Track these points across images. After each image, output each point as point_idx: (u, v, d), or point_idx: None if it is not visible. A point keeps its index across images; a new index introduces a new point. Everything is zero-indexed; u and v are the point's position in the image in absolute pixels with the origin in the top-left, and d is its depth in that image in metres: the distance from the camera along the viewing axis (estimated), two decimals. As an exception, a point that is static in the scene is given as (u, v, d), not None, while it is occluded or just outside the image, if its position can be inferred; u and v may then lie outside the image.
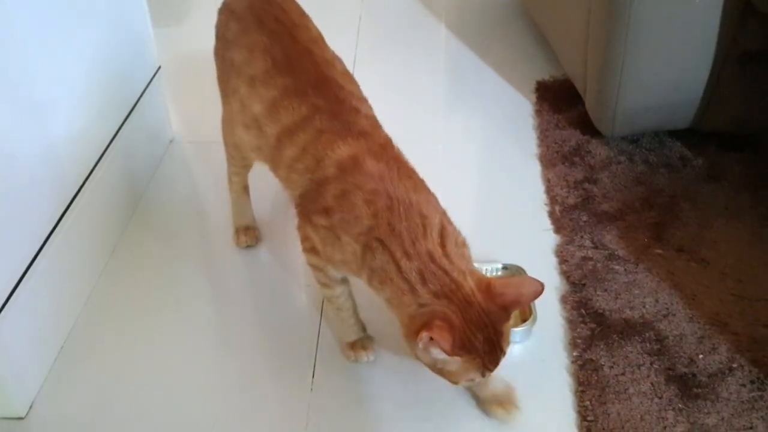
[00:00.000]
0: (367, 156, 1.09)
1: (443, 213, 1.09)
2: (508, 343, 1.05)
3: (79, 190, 1.37)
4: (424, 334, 0.95)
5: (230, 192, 1.49)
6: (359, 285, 1.14)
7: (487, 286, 1.02)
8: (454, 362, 1.01)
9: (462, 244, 1.08)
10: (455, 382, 1.06)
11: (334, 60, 1.25)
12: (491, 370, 1.04)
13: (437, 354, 0.99)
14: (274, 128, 1.18)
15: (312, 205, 1.13)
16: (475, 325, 0.99)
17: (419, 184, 1.10)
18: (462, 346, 0.99)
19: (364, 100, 1.22)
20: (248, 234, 1.51)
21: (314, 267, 1.20)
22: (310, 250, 1.18)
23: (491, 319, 1.00)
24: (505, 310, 1.01)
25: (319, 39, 1.27)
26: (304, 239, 1.19)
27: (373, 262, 1.05)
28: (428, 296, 1.00)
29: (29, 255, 1.22)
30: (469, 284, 1.01)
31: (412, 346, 1.03)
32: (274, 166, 1.22)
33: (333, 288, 1.21)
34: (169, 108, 1.82)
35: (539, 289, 1.02)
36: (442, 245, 1.03)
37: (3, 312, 1.14)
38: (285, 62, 1.20)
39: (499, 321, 1.01)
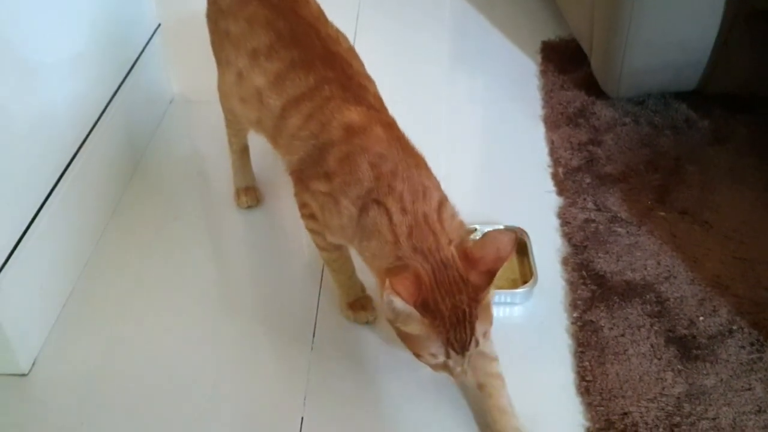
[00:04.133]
0: (376, 124, 1.08)
1: (444, 193, 1.07)
2: (484, 334, 1.00)
3: (78, 150, 1.37)
4: (389, 282, 0.93)
5: (230, 152, 1.49)
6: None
7: (465, 253, 0.98)
8: (415, 321, 0.96)
9: (459, 225, 1.04)
10: (417, 354, 1.01)
11: (338, 36, 1.23)
12: (457, 351, 0.98)
13: (400, 306, 0.95)
14: (278, 100, 1.16)
15: (311, 171, 1.12)
16: (445, 290, 0.96)
17: (422, 163, 1.09)
18: (425, 305, 0.95)
19: (370, 79, 1.21)
20: (249, 194, 1.50)
21: (313, 232, 1.20)
22: (309, 216, 1.18)
23: (468, 291, 0.96)
24: (489, 272, 0.97)
25: (320, 15, 1.26)
26: (303, 206, 1.18)
27: (366, 219, 1.03)
28: (409, 251, 0.98)
29: (30, 213, 1.22)
30: (452, 251, 0.98)
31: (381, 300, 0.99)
32: (275, 136, 1.20)
33: (331, 251, 1.21)
34: (169, 67, 1.80)
35: (513, 238, 0.98)
36: (439, 213, 1.02)
37: (5, 270, 1.14)
38: (290, 36, 1.18)
39: (478, 295, 0.97)
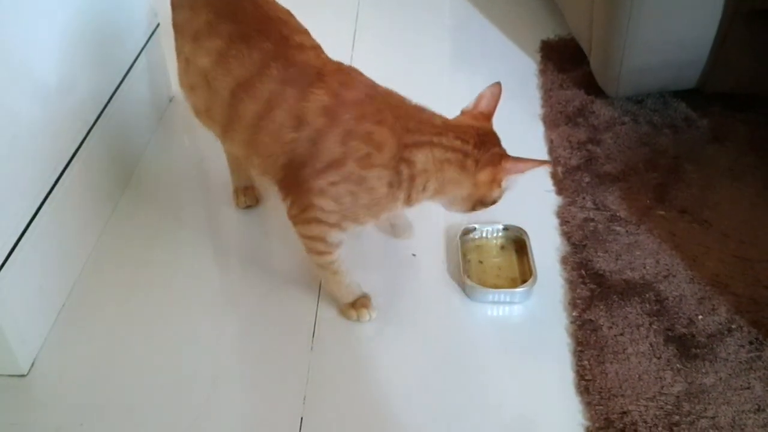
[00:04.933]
0: (342, 89, 1.09)
1: None
2: None
3: (77, 149, 1.36)
4: (506, 166, 1.10)
5: (224, 152, 1.48)
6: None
7: (482, 115, 1.15)
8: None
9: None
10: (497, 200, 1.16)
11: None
12: None
13: (508, 183, 1.12)
14: (226, 81, 1.14)
15: (308, 170, 1.10)
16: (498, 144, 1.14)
17: (387, 88, 1.15)
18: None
19: (304, 32, 1.20)
20: (247, 194, 1.50)
21: (313, 238, 1.19)
22: (313, 220, 1.15)
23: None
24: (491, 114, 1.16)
25: None
26: (304, 211, 1.15)
27: (413, 167, 1.09)
28: (474, 150, 1.10)
29: (29, 213, 1.22)
30: (483, 124, 1.13)
31: (483, 197, 1.13)
32: (230, 129, 1.17)
33: (332, 253, 1.20)
34: (168, 66, 1.79)
35: (499, 86, 1.17)
36: (438, 115, 1.14)
37: (3, 270, 1.14)
38: (226, 10, 1.18)
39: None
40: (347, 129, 1.08)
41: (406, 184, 1.11)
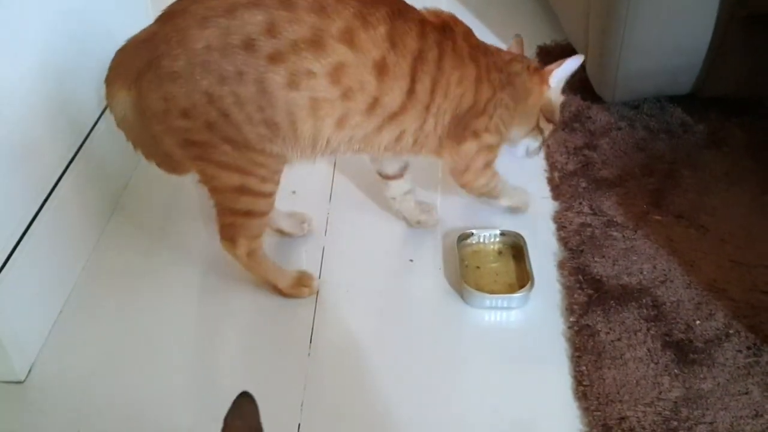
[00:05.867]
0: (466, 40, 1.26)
1: None
2: None
3: (74, 157, 1.36)
4: (547, 70, 1.34)
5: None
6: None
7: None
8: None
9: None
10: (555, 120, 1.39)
11: None
12: None
13: (556, 86, 1.36)
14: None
15: (473, 112, 1.27)
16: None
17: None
18: None
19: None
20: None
21: (488, 178, 1.37)
22: (486, 167, 1.35)
23: None
24: None
25: None
26: (473, 161, 1.32)
27: (511, 77, 1.32)
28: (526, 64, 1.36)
29: (26, 220, 1.22)
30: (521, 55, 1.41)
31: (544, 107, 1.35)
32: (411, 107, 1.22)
33: (496, 174, 1.40)
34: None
35: (521, 38, 1.43)
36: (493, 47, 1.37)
37: (0, 277, 1.14)
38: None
39: None
40: (485, 66, 1.26)
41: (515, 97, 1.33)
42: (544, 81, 1.34)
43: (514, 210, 1.48)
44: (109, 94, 1.17)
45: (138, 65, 1.11)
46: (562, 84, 1.37)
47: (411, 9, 1.19)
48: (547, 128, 1.38)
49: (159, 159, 1.26)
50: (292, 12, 1.06)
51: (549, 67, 1.35)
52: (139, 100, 1.13)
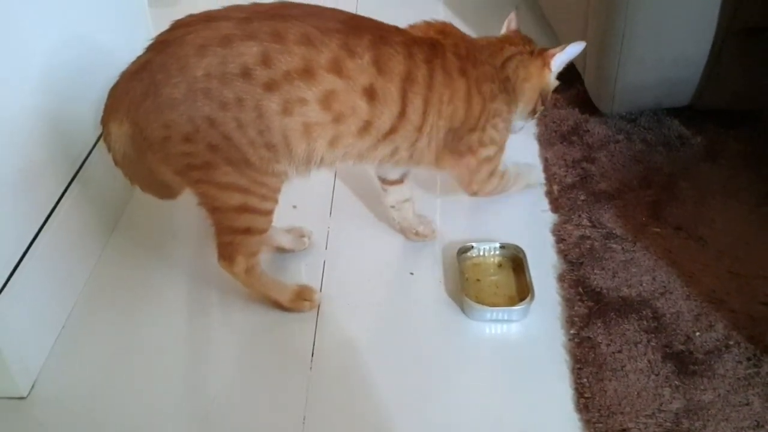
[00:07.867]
0: (457, 52, 1.26)
1: None
2: None
3: (77, 172, 1.37)
4: (556, 55, 1.35)
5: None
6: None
7: (514, 31, 1.43)
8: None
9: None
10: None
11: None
12: None
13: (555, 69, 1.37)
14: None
15: (456, 142, 1.29)
16: None
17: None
18: None
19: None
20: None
21: (495, 185, 1.41)
22: (490, 175, 1.38)
23: None
24: None
25: None
26: (476, 172, 1.35)
27: (508, 76, 1.35)
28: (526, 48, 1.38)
29: (29, 236, 1.22)
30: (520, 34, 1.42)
31: (543, 87, 1.38)
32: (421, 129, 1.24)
33: (504, 173, 1.44)
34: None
35: (513, 14, 1.44)
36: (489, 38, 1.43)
37: (3, 293, 1.14)
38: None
39: None
40: (475, 79, 1.26)
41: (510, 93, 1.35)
42: (546, 64, 1.36)
43: (529, 187, 1.58)
44: (107, 132, 1.18)
45: (132, 97, 1.12)
46: (561, 69, 1.39)
47: (394, 32, 1.21)
48: (539, 110, 1.43)
49: (154, 189, 1.29)
50: (283, 44, 1.10)
51: (551, 51, 1.36)
52: (135, 131, 1.14)
